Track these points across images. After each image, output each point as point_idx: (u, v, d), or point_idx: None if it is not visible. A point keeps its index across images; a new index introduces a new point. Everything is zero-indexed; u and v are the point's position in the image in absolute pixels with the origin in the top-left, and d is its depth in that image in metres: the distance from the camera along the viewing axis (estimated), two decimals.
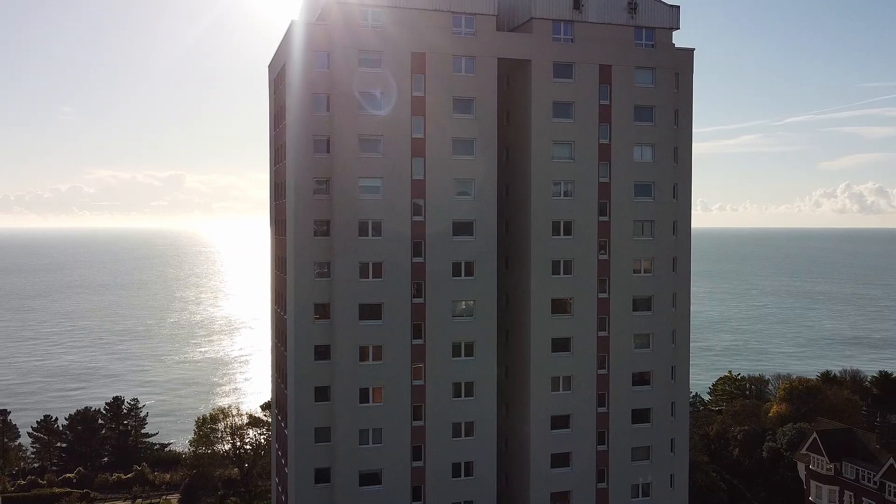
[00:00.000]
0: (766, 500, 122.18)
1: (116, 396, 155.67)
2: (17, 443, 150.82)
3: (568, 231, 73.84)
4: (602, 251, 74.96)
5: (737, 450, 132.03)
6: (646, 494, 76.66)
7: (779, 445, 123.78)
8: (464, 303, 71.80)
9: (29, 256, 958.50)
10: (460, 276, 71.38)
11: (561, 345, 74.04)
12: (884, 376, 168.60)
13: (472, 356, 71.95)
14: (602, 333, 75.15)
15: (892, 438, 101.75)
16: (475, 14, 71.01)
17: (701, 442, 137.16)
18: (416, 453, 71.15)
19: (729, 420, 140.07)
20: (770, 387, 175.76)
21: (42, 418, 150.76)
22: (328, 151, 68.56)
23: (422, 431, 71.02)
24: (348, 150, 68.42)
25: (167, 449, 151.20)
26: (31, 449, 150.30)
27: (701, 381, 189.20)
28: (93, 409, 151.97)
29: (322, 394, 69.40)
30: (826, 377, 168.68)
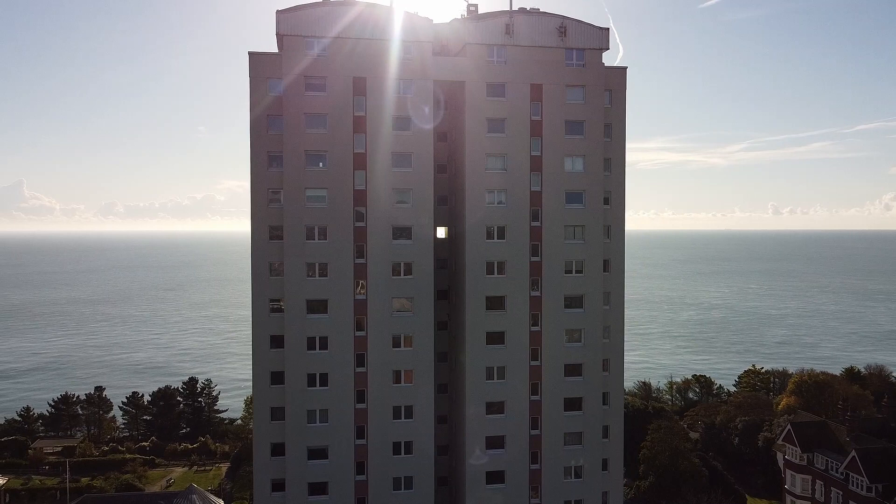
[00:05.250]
0: (761, 487, 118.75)
1: (192, 377, 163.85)
2: (110, 415, 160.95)
3: (501, 235, 73.96)
4: (534, 254, 74.74)
5: (737, 438, 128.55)
6: (578, 476, 76.00)
7: (773, 435, 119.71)
8: (402, 299, 73.05)
9: (169, 255, 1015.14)
10: (399, 275, 72.73)
11: (495, 338, 74.24)
12: None
13: (411, 347, 73.03)
14: (535, 328, 74.84)
15: (860, 432, 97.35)
16: (412, 41, 72.12)
17: (707, 431, 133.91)
18: (360, 432, 72.92)
19: (734, 410, 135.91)
20: None
21: (130, 394, 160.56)
22: (281, 166, 71.31)
23: (364, 413, 72.76)
24: (297, 164, 70.98)
25: (235, 423, 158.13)
26: (123, 421, 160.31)
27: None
28: (172, 387, 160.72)
29: (277, 378, 72.27)
30: (850, 373, 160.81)
